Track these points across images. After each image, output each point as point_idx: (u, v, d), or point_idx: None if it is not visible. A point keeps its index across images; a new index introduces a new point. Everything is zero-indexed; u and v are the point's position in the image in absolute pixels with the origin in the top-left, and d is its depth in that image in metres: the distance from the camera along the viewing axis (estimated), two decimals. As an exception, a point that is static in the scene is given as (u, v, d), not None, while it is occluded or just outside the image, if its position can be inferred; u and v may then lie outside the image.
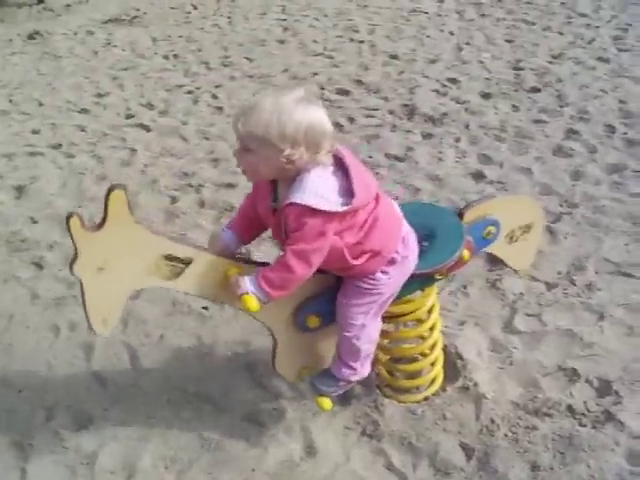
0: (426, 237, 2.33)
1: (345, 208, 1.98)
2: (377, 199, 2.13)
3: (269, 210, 2.12)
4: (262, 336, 2.93)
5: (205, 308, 3.21)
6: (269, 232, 2.24)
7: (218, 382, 2.78)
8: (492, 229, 2.50)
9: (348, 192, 2.00)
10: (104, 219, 1.91)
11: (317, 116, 1.98)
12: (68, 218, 1.87)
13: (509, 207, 2.60)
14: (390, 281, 2.21)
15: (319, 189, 1.97)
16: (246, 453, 2.46)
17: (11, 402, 2.77)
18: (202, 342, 3.02)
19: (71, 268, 1.93)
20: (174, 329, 3.11)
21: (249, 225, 2.25)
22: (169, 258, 2.05)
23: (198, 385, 2.77)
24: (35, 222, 4.05)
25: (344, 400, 2.61)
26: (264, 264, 2.16)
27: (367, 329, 2.26)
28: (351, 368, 2.35)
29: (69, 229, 1.88)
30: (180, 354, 2.97)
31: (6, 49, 7.25)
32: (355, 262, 2.11)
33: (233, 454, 2.46)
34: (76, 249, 1.91)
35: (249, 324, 3.04)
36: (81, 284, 1.96)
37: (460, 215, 2.45)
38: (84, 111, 5.59)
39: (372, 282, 2.19)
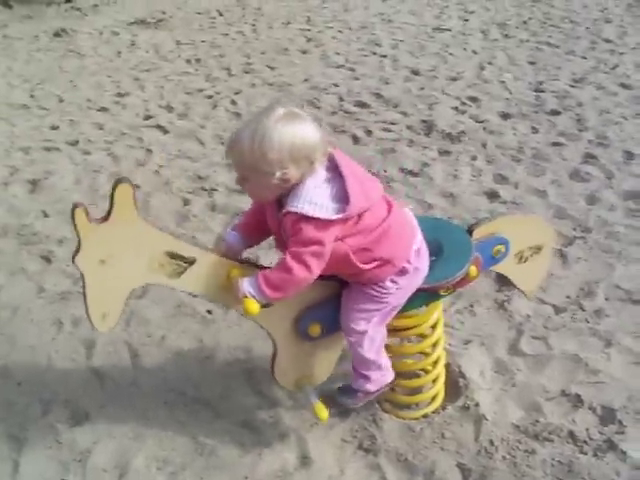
0: (434, 252, 2.31)
1: (339, 215, 1.97)
2: (390, 207, 2.13)
3: (275, 220, 2.12)
4: (263, 343, 2.90)
5: (209, 312, 3.20)
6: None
7: (217, 386, 2.76)
8: (501, 248, 2.47)
9: (344, 198, 1.99)
10: (109, 212, 1.90)
11: (298, 133, 1.96)
12: (73, 209, 1.87)
13: (520, 226, 2.57)
14: (398, 291, 2.19)
15: (313, 197, 1.98)
16: (239, 460, 2.44)
17: (9, 393, 2.76)
18: (203, 345, 3.00)
19: (73, 259, 1.92)
20: (176, 331, 3.09)
21: (255, 228, 2.25)
22: (172, 256, 2.04)
23: (196, 388, 2.76)
24: (47, 216, 4.06)
25: (342, 413, 2.58)
26: (267, 268, 2.14)
27: (369, 337, 2.23)
28: (364, 377, 2.33)
29: (73, 220, 1.87)
30: (180, 356, 2.95)
31: (32, 45, 7.32)
32: (365, 267, 2.09)
33: (226, 460, 2.44)
34: (79, 241, 1.90)
35: (251, 330, 3.03)
36: (82, 277, 1.95)
37: (470, 232, 2.43)
38: (103, 110, 5.62)
39: (380, 290, 2.17)
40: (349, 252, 2.05)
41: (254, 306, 2.01)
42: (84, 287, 1.96)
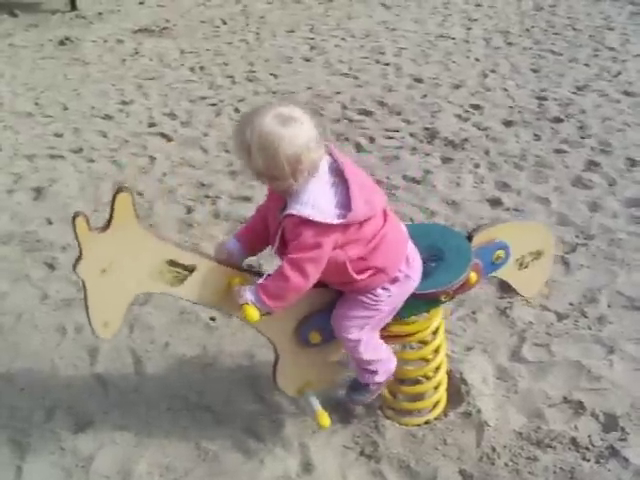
0: (434, 258, 2.32)
1: (341, 221, 1.98)
2: (385, 217, 2.13)
3: (276, 222, 2.12)
4: (266, 350, 2.91)
5: (212, 319, 3.21)
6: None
7: (219, 393, 2.77)
8: (501, 253, 2.48)
9: (347, 205, 2.00)
10: (109, 221, 1.92)
11: (286, 146, 1.91)
12: (74, 218, 1.88)
13: (520, 232, 2.58)
14: (389, 299, 2.21)
15: (315, 201, 1.99)
16: (242, 466, 2.44)
17: (13, 399, 2.77)
18: (206, 352, 3.01)
19: (74, 268, 1.93)
20: (180, 338, 3.10)
21: (255, 237, 2.26)
22: (173, 264, 2.05)
23: (199, 395, 2.77)
24: (51, 223, 4.08)
25: (344, 419, 2.59)
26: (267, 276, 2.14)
27: (364, 342, 2.24)
28: (371, 371, 2.34)
29: (74, 229, 1.88)
30: (184, 363, 2.96)
31: (37, 53, 7.35)
32: (358, 277, 2.11)
33: (229, 466, 2.44)
34: (80, 249, 1.91)
35: (254, 337, 3.02)
36: (84, 285, 1.96)
37: (469, 238, 2.44)
38: (107, 117, 5.64)
39: (372, 297, 2.18)
40: (347, 261, 2.06)
41: (254, 313, 2.02)
42: (85, 296, 1.97)
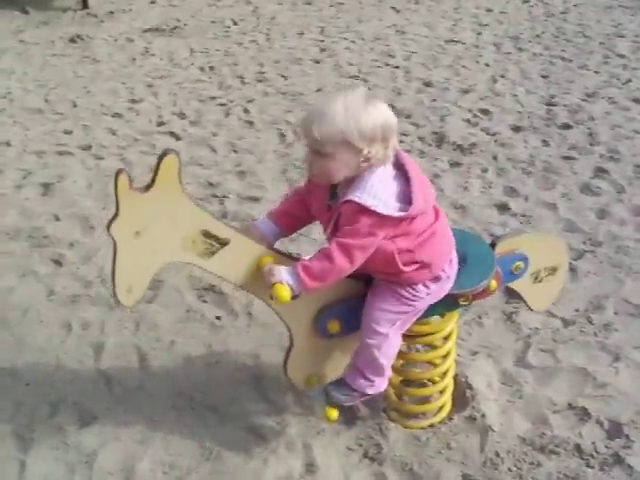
0: (458, 261, 2.32)
1: (401, 214, 2.00)
2: (437, 214, 2.17)
3: (324, 207, 2.13)
4: (271, 350, 2.94)
5: (218, 318, 3.21)
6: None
7: (224, 392, 2.77)
8: (521, 264, 2.49)
9: (406, 198, 2.02)
10: (152, 182, 1.88)
11: (387, 111, 2.01)
12: (117, 175, 1.82)
13: (540, 245, 2.58)
14: (427, 297, 2.22)
15: (378, 191, 1.99)
16: (245, 465, 2.44)
17: (17, 394, 2.78)
18: (212, 351, 3.01)
19: (108, 227, 1.88)
20: (185, 336, 3.10)
21: (293, 217, 2.26)
22: (207, 235, 2.02)
23: (204, 393, 2.77)
24: (58, 220, 4.08)
25: (349, 421, 2.59)
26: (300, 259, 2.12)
27: (389, 341, 2.23)
28: (368, 380, 2.31)
29: (115, 186, 1.83)
30: (189, 361, 2.96)
31: (47, 50, 7.36)
32: (404, 269, 2.11)
33: (232, 465, 2.44)
34: (118, 208, 1.86)
35: (260, 337, 3.05)
36: (115, 246, 1.90)
37: (492, 246, 2.45)
38: (117, 115, 5.65)
39: (411, 292, 2.18)
40: (395, 252, 2.06)
41: (286, 293, 1.99)
42: (114, 257, 1.91)
